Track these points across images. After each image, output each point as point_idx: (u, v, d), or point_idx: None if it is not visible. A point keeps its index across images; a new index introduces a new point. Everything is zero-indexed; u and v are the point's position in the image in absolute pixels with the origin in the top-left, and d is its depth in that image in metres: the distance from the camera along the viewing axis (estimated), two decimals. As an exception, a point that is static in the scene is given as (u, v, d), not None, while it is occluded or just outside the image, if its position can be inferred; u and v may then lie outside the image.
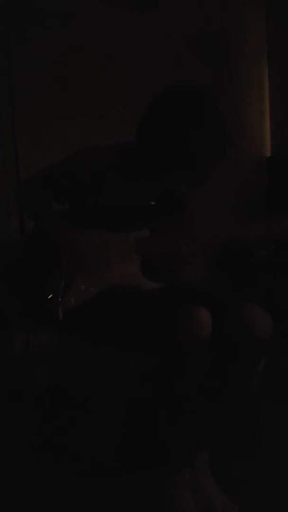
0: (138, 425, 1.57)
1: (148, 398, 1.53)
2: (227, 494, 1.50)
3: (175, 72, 2.52)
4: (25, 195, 1.70)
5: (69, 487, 1.60)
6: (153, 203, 1.66)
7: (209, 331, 1.43)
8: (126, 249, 1.59)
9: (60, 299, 1.59)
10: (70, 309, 1.59)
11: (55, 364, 1.92)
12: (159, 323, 1.46)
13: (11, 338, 2.05)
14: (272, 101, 3.10)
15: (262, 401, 1.67)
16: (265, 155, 3.12)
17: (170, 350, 1.43)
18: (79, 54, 2.58)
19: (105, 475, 1.61)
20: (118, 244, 1.60)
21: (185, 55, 2.79)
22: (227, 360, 1.53)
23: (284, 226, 1.47)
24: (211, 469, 1.52)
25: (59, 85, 2.58)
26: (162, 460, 1.48)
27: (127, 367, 1.75)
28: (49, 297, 1.60)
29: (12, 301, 1.73)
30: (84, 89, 2.62)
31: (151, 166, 1.52)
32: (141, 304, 1.55)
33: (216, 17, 2.91)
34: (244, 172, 2.98)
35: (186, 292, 1.63)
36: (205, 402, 1.53)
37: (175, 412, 1.49)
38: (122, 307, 1.56)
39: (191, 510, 1.45)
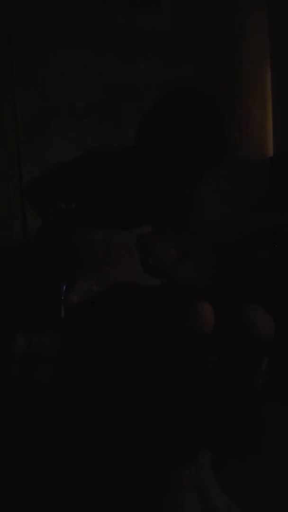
0: (140, 426, 1.57)
1: (150, 398, 1.53)
2: (230, 495, 1.50)
3: (177, 72, 2.52)
4: (32, 194, 1.70)
5: (72, 488, 1.60)
6: (155, 201, 1.66)
7: (212, 325, 1.43)
8: (129, 247, 1.60)
9: (62, 298, 1.59)
10: (73, 307, 1.59)
11: (57, 364, 1.91)
12: (162, 320, 1.46)
13: (13, 339, 2.05)
14: (274, 101, 3.10)
15: (264, 402, 1.66)
16: (267, 155, 3.12)
17: (173, 347, 1.43)
18: (80, 55, 2.58)
19: (108, 476, 1.61)
20: (120, 243, 1.60)
21: (187, 55, 2.79)
22: (229, 361, 1.53)
23: (284, 218, 1.48)
24: (213, 470, 1.52)
25: (60, 86, 2.58)
26: (165, 461, 1.48)
27: (130, 366, 1.75)
28: (52, 295, 1.60)
29: (15, 301, 1.73)
30: (85, 89, 2.62)
31: (152, 166, 1.52)
32: (144, 302, 1.55)
33: (218, 17, 2.91)
34: (246, 172, 2.97)
35: (188, 291, 1.63)
36: (207, 403, 1.53)
37: (178, 413, 1.49)
38: (124, 306, 1.56)
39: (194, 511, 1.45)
